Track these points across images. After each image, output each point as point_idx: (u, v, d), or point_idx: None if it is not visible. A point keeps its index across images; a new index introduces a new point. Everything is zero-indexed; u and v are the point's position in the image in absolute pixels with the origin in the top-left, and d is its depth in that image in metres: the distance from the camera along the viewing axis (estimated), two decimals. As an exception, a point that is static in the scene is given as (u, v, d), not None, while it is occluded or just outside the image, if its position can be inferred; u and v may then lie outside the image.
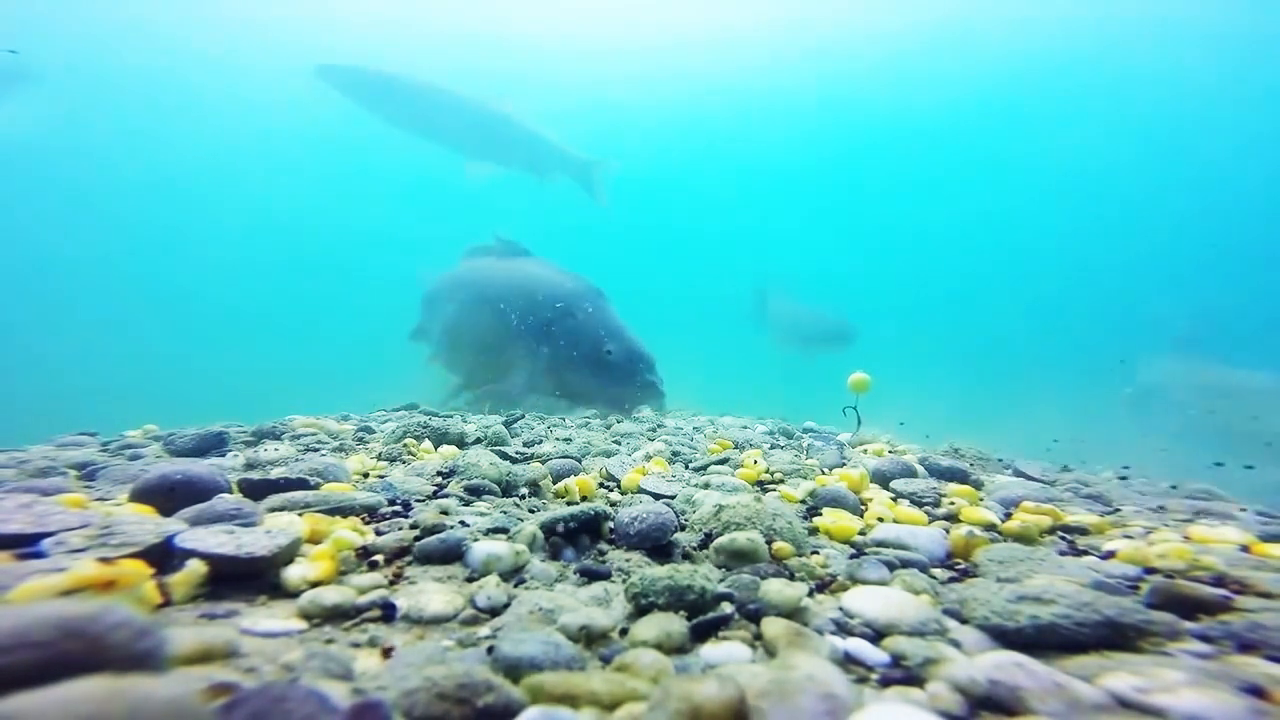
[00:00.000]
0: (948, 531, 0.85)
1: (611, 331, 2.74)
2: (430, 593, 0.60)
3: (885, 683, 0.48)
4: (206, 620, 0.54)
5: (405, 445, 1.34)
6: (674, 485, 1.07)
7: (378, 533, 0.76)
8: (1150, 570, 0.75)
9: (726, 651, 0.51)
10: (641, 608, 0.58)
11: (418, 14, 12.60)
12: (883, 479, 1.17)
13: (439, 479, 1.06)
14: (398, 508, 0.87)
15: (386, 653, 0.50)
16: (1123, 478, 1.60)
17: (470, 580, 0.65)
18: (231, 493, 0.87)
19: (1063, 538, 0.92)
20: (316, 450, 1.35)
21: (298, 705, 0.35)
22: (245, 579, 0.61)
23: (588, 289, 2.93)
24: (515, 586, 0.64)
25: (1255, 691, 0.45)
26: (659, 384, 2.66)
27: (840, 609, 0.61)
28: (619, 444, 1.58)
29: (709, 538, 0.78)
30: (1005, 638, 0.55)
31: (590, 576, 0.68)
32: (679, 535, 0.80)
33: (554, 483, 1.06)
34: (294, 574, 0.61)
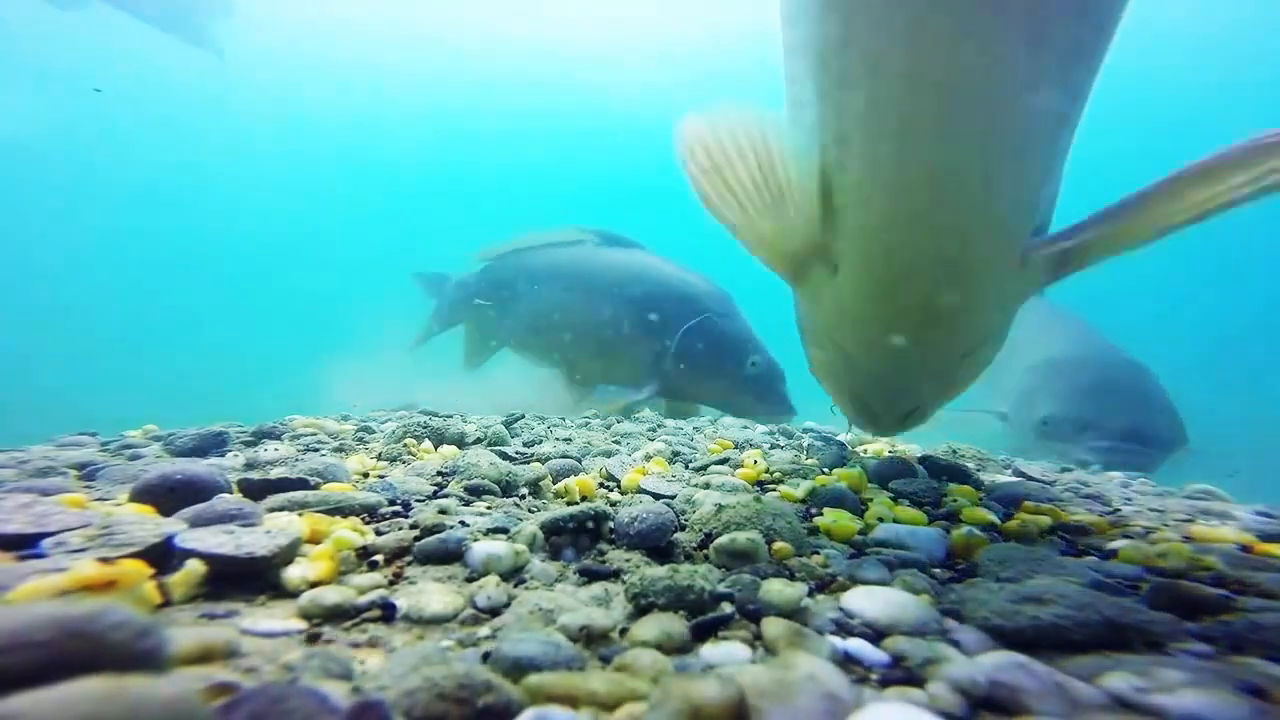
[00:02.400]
0: (948, 531, 0.85)
1: (751, 341, 2.65)
2: (430, 593, 0.60)
3: (885, 683, 0.48)
4: (206, 620, 0.54)
5: (405, 445, 1.34)
6: (674, 485, 1.07)
7: (378, 533, 0.76)
8: (1151, 570, 0.75)
9: (726, 651, 0.51)
10: (641, 608, 0.58)
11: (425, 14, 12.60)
12: (883, 479, 1.17)
13: (439, 479, 1.06)
14: (398, 508, 0.87)
15: (375, 643, 0.50)
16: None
17: (470, 580, 0.65)
18: (231, 493, 0.87)
19: (1063, 537, 0.92)
20: (316, 450, 1.35)
21: (297, 705, 0.35)
22: (245, 579, 0.61)
23: (718, 290, 2.81)
24: (515, 586, 0.64)
25: (1255, 691, 0.45)
26: (790, 401, 2.59)
27: (840, 609, 0.61)
28: (619, 444, 1.58)
29: (709, 538, 0.78)
30: (1005, 638, 0.54)
31: (590, 576, 0.68)
32: (679, 535, 0.80)
33: (554, 483, 1.06)
34: (294, 574, 0.61)
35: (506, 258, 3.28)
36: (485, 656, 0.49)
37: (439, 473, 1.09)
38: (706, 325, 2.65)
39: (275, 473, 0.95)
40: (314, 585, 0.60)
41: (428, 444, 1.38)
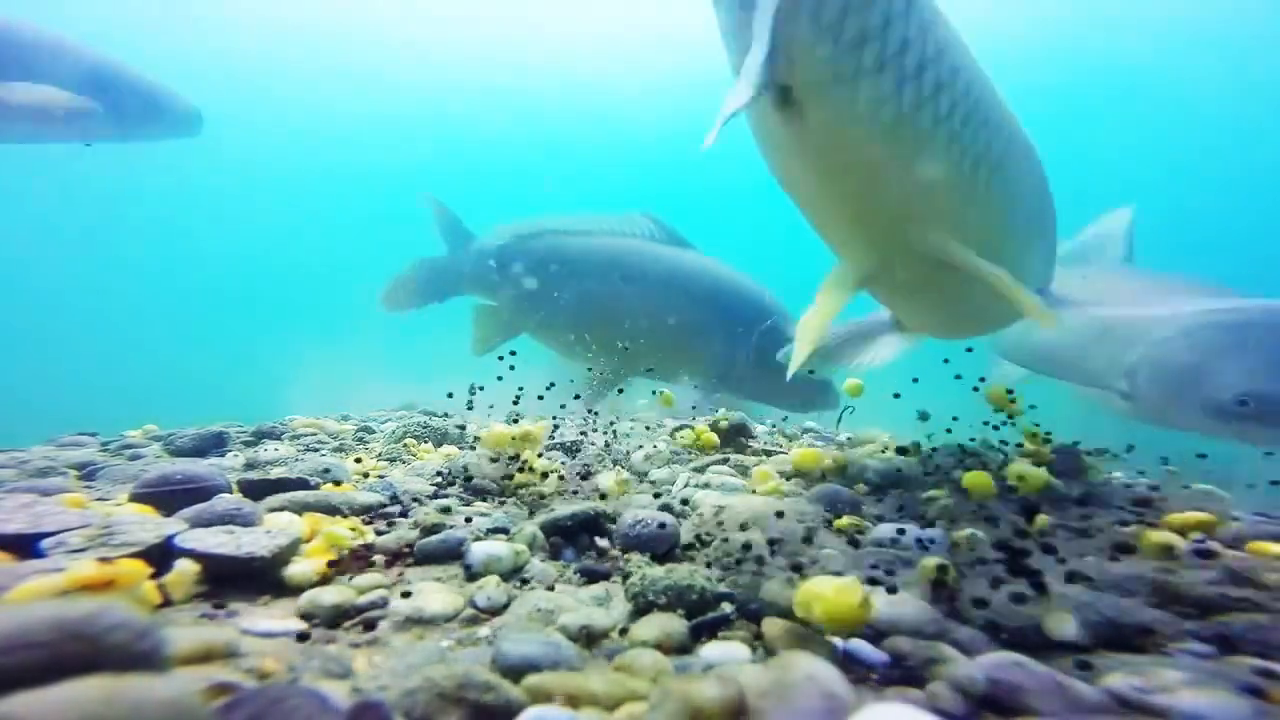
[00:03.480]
0: (948, 530, 0.85)
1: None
2: (430, 593, 0.60)
3: (885, 682, 0.48)
4: (206, 620, 0.54)
5: (405, 445, 1.34)
6: (674, 485, 1.07)
7: (378, 533, 0.76)
8: (1150, 570, 0.75)
9: (726, 651, 0.51)
10: (641, 608, 0.58)
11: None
12: (884, 479, 1.17)
13: (439, 479, 1.06)
14: (398, 508, 0.87)
15: (372, 637, 0.50)
16: None
17: (470, 580, 0.65)
18: (231, 493, 0.87)
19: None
20: (316, 450, 1.35)
21: (297, 705, 0.35)
22: (245, 579, 0.61)
23: (772, 296, 2.84)
24: (515, 586, 0.64)
25: (1255, 691, 0.45)
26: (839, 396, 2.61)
27: (840, 609, 0.61)
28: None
29: (708, 537, 0.78)
30: (1005, 637, 0.54)
31: (590, 576, 0.68)
32: (678, 535, 0.80)
33: (554, 483, 1.05)
34: (294, 574, 0.61)
35: (547, 237, 3.05)
36: (490, 650, 0.49)
37: (439, 473, 1.09)
38: (775, 329, 2.69)
39: (275, 473, 0.95)
40: (314, 585, 0.60)
41: (428, 444, 1.38)
